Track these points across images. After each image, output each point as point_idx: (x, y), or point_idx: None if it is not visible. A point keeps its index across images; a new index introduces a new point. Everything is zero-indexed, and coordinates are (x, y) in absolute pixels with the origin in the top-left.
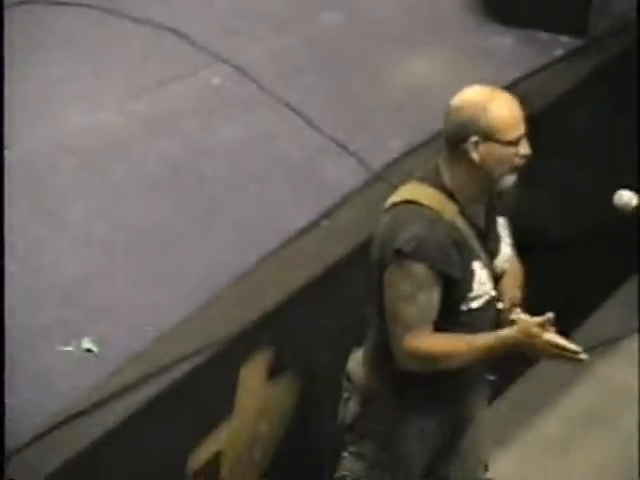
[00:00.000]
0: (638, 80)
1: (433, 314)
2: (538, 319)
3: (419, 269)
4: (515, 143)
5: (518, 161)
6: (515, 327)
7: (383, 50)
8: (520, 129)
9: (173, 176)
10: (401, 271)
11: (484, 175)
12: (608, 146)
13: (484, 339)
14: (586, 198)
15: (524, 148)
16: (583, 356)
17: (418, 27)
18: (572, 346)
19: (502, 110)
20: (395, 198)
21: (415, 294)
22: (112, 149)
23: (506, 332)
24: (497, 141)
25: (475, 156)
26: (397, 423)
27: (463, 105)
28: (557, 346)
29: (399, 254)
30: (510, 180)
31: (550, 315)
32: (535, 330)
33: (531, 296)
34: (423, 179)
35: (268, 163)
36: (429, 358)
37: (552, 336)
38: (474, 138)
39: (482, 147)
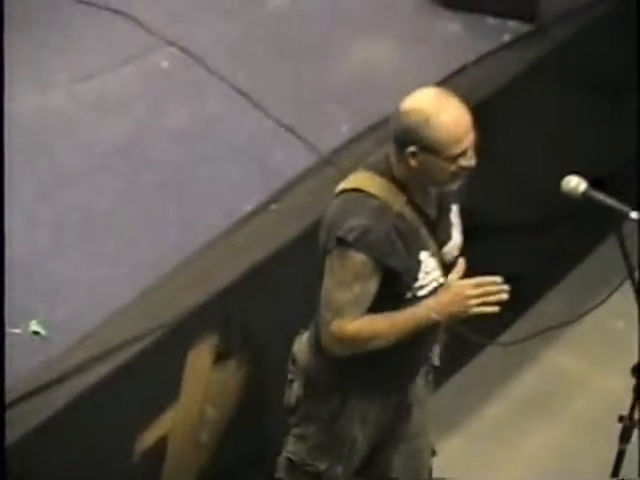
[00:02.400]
0: (588, 66)
1: (366, 304)
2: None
3: (359, 259)
4: (454, 158)
5: (459, 172)
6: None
7: (331, 35)
8: (464, 143)
9: (121, 158)
10: (341, 259)
11: (424, 179)
12: (557, 131)
13: (405, 312)
14: (534, 184)
15: (467, 160)
16: (504, 288)
17: (365, 12)
18: (489, 278)
19: (445, 126)
20: (344, 185)
21: (352, 283)
22: (60, 130)
23: (427, 299)
24: (436, 155)
25: (413, 163)
26: (338, 406)
27: (408, 112)
28: (476, 285)
29: (341, 242)
30: (450, 187)
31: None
32: (451, 279)
33: None
34: (373, 167)
35: (217, 146)
36: (354, 342)
37: (468, 280)
38: (412, 148)
39: (420, 157)
